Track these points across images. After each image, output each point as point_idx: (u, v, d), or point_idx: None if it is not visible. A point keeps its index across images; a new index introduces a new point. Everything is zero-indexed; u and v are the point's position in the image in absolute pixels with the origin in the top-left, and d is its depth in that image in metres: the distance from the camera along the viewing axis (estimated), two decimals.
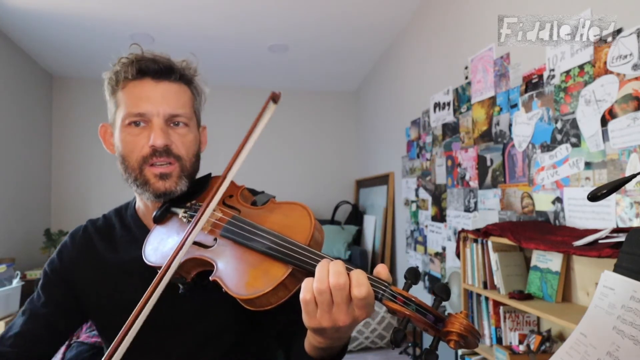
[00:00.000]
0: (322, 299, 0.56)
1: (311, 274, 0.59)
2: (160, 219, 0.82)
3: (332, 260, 0.59)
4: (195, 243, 0.74)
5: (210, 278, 0.67)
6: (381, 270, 0.59)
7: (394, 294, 0.56)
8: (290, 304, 0.64)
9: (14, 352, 0.83)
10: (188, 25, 3.53)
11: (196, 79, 0.89)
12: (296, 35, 3.79)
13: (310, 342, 0.67)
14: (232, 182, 0.88)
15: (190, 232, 0.66)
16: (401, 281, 3.63)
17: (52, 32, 3.57)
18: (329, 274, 0.56)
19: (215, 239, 0.73)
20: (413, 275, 0.58)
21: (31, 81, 4.18)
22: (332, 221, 4.98)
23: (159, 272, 0.63)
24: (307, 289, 0.57)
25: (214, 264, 0.69)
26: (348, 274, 0.57)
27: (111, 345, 0.59)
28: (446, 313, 0.57)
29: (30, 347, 0.85)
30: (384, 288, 0.57)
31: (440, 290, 0.57)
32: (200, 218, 0.68)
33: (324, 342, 0.63)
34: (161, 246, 0.78)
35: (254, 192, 0.92)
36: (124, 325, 0.60)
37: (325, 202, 5.26)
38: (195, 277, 0.75)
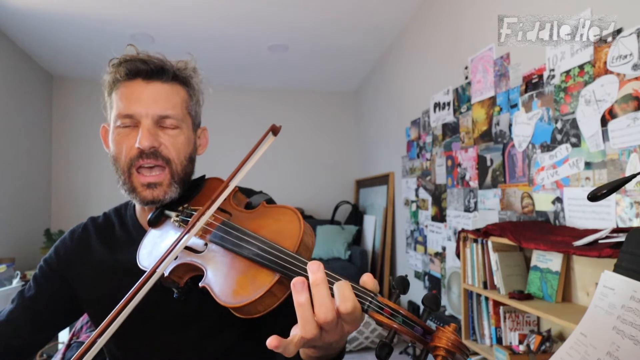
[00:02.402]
0: (313, 340, 0.54)
1: None
2: (155, 223, 0.82)
3: (312, 283, 0.53)
4: (186, 248, 0.73)
5: (199, 285, 0.66)
6: (367, 280, 0.56)
7: (380, 305, 0.53)
8: (288, 306, 0.62)
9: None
10: (188, 25, 3.53)
11: (193, 80, 0.88)
12: (296, 35, 3.79)
13: (304, 351, 0.66)
14: (224, 182, 0.87)
15: (178, 243, 0.65)
16: None
17: (52, 32, 3.57)
18: (314, 310, 0.52)
19: (206, 244, 0.72)
20: (401, 285, 0.55)
21: (31, 81, 4.18)
22: (332, 221, 4.98)
23: (144, 275, 0.62)
24: (296, 344, 0.53)
25: (204, 270, 0.68)
26: (331, 288, 0.54)
27: (85, 343, 0.57)
28: (435, 327, 0.54)
29: (11, 336, 0.85)
30: (370, 299, 0.54)
31: (430, 300, 0.54)
32: (185, 234, 0.66)
33: (316, 353, 0.62)
34: (154, 250, 0.78)
35: (251, 192, 0.91)
36: (102, 323, 0.57)
37: (325, 202, 5.26)
38: (189, 281, 0.75)
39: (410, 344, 3.17)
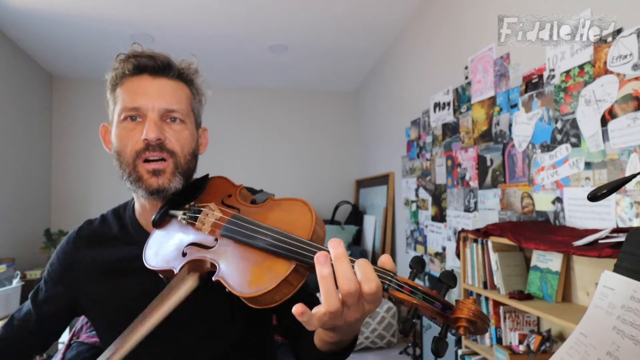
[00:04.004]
0: (336, 314, 0.55)
1: (314, 268, 0.57)
2: (159, 223, 0.82)
3: (334, 256, 0.55)
4: (196, 244, 0.73)
5: (212, 279, 0.66)
6: (386, 260, 0.58)
7: (400, 284, 0.55)
8: (295, 301, 0.63)
9: (11, 338, 0.90)
10: (188, 25, 3.53)
11: (196, 80, 0.89)
12: (296, 35, 3.79)
13: (322, 337, 0.67)
14: (230, 182, 0.88)
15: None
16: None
17: (52, 32, 3.57)
18: (336, 282, 0.54)
19: (216, 239, 0.72)
20: (419, 265, 0.58)
21: (31, 81, 4.18)
22: (332, 221, 4.98)
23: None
24: (319, 318, 0.55)
25: (216, 264, 0.68)
26: (353, 269, 0.55)
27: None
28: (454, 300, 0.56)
29: (25, 335, 0.90)
30: (389, 278, 0.56)
31: (447, 277, 0.56)
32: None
33: (335, 337, 0.63)
34: (161, 250, 0.78)
35: (252, 191, 0.92)
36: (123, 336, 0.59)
37: (325, 202, 5.26)
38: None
39: (411, 344, 3.17)
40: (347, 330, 0.60)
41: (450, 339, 2.39)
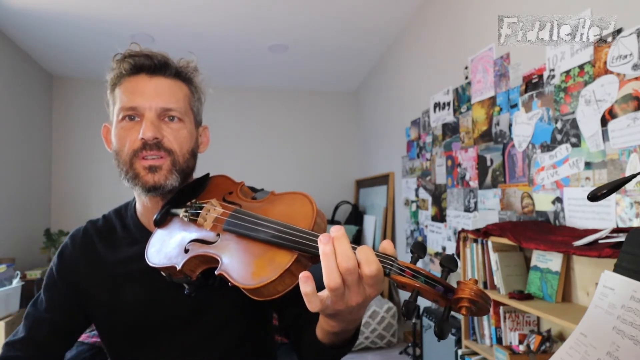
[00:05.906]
0: (336, 293, 0.56)
1: (316, 257, 0.58)
2: (160, 222, 0.82)
3: (334, 237, 0.57)
4: (198, 240, 0.74)
5: (215, 272, 0.67)
6: (386, 246, 0.59)
7: (401, 268, 0.56)
8: (296, 296, 0.63)
9: (25, 357, 0.84)
10: (188, 25, 3.53)
11: (195, 78, 0.89)
12: (296, 35, 3.79)
13: (323, 328, 0.67)
14: (231, 180, 0.88)
15: None
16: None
17: (52, 32, 3.57)
18: (336, 260, 0.55)
19: (218, 235, 0.72)
20: (419, 249, 0.58)
21: (31, 81, 4.18)
22: (332, 221, 4.98)
23: None
24: (322, 300, 0.57)
25: (218, 258, 0.68)
26: (355, 253, 0.56)
27: None
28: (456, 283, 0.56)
29: (39, 351, 0.86)
30: (391, 263, 0.57)
31: (447, 261, 0.57)
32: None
33: (337, 326, 0.64)
34: (164, 247, 0.78)
35: (253, 190, 0.92)
36: None
37: (325, 202, 5.26)
38: (200, 275, 0.75)
39: (410, 344, 3.17)
40: (349, 318, 0.61)
41: (451, 338, 2.39)
